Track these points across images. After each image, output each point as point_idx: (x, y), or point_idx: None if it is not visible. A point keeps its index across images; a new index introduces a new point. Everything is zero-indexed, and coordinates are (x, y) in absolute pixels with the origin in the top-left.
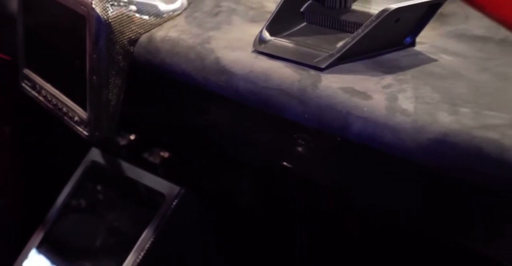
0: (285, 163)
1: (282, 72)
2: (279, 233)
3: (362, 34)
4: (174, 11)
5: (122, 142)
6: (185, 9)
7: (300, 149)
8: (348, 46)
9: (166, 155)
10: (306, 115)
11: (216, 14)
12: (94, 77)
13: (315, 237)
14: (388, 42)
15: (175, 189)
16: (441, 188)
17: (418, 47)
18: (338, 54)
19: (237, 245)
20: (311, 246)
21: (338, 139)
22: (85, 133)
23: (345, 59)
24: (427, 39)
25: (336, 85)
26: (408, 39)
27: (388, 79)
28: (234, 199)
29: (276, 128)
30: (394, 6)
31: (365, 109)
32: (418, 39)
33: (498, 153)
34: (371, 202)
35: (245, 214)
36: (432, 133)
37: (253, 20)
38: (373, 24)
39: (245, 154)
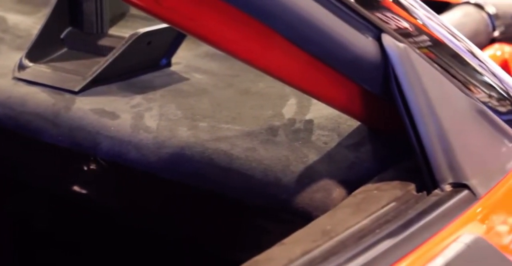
0: (61, 184)
1: (39, 97)
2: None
3: (113, 57)
4: None
5: None
6: None
7: (61, 169)
8: (100, 70)
9: None
10: (60, 137)
11: None
12: None
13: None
14: (143, 64)
15: None
16: (182, 197)
17: (173, 68)
18: (91, 78)
19: None
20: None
21: (91, 158)
22: None
23: (99, 82)
24: (183, 59)
25: (87, 107)
26: (163, 61)
27: (138, 99)
28: (30, 223)
29: (42, 152)
30: (144, 29)
31: (112, 128)
32: (174, 59)
33: (227, 162)
34: (123, 212)
35: (42, 236)
36: (171, 147)
37: (19, 48)
38: (123, 48)
39: (29, 178)
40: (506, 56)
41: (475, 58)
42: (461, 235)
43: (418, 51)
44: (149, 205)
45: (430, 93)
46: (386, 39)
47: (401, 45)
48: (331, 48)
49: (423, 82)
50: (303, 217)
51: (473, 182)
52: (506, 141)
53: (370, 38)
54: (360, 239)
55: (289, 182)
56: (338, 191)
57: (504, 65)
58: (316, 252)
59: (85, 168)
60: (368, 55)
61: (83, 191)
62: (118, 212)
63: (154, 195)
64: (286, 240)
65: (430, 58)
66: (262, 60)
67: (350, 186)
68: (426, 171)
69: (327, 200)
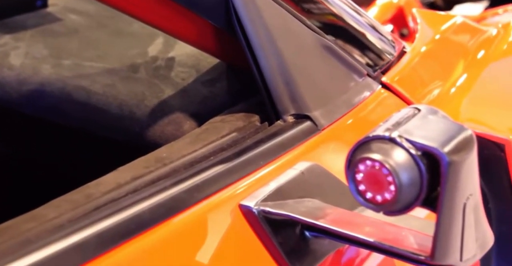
0: None
1: None
2: None
3: None
4: None
5: None
6: None
7: None
8: None
9: None
10: None
11: None
12: None
13: None
14: (17, 5)
15: None
16: (42, 131)
17: (49, 9)
18: None
19: None
20: None
21: None
22: None
23: None
24: (61, 1)
25: None
26: (39, 2)
27: (6, 38)
28: None
29: None
30: None
31: None
32: (52, 1)
33: (86, 97)
34: None
35: None
36: (32, 84)
37: None
38: None
39: None
40: (402, 3)
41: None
42: (297, 163)
43: None
44: (12, 141)
45: (271, 28)
46: None
47: None
48: None
49: (264, 16)
50: (156, 149)
51: (315, 114)
52: (355, 76)
53: None
54: (192, 165)
55: (142, 116)
56: (188, 124)
57: (400, 12)
58: (146, 177)
59: None
60: None
61: None
62: None
63: (16, 130)
64: (121, 168)
65: None
66: None
67: (201, 119)
68: (269, 102)
69: (178, 132)
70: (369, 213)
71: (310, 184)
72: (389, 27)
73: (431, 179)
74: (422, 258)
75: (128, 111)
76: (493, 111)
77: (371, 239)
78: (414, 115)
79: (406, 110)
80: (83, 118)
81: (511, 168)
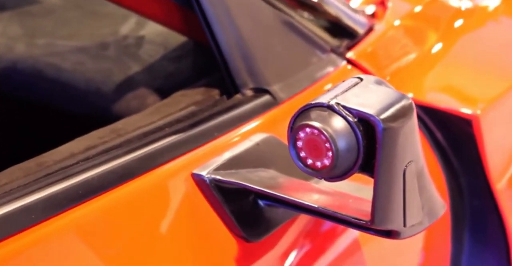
0: None
1: None
2: None
3: None
4: None
5: None
6: None
7: None
8: None
9: None
10: None
11: None
12: None
13: None
14: None
15: None
16: (12, 108)
17: None
18: None
19: None
20: None
21: None
22: None
23: None
24: None
25: None
26: None
27: None
28: None
29: None
30: None
31: None
32: None
33: (55, 74)
34: None
35: None
36: (5, 61)
37: None
38: None
39: None
40: None
41: None
42: (253, 134)
43: None
44: None
45: (228, 2)
46: None
47: None
48: None
49: None
50: None
51: (274, 88)
52: (318, 52)
53: None
54: (146, 136)
55: (109, 91)
56: (152, 98)
57: None
58: (100, 147)
59: None
60: None
61: None
62: None
63: None
64: (77, 138)
65: None
66: None
67: (165, 94)
68: (227, 76)
69: (142, 107)
70: (324, 184)
71: (265, 155)
72: (371, 8)
73: (369, 146)
74: (363, 222)
75: (95, 87)
76: (462, 83)
77: (315, 205)
78: (356, 84)
79: (350, 80)
80: (52, 94)
81: (480, 142)
